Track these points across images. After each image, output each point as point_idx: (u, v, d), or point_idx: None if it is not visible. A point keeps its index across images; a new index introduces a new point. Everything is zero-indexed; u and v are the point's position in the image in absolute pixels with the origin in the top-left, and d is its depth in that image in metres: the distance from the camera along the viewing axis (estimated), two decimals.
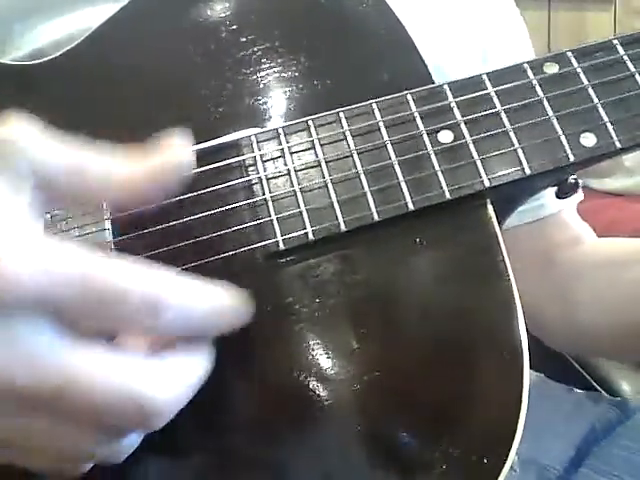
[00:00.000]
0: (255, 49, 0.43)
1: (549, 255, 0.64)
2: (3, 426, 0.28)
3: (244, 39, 0.43)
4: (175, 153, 0.32)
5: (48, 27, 0.50)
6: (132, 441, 0.30)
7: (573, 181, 0.42)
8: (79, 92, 0.44)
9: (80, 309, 0.27)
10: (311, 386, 0.36)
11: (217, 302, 0.31)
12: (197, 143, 0.40)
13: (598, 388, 0.93)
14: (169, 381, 0.29)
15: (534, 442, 0.59)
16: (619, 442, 0.58)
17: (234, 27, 0.44)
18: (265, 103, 0.42)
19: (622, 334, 0.57)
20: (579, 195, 0.66)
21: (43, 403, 0.27)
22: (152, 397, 0.28)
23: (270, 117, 0.41)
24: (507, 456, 0.34)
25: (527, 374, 0.35)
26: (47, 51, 0.45)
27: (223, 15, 0.44)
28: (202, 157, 0.40)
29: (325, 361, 0.36)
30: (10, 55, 0.49)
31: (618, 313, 0.57)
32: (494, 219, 0.39)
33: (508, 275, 0.37)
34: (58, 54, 0.44)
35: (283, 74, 0.43)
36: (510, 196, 0.41)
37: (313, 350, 0.37)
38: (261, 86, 0.42)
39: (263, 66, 0.43)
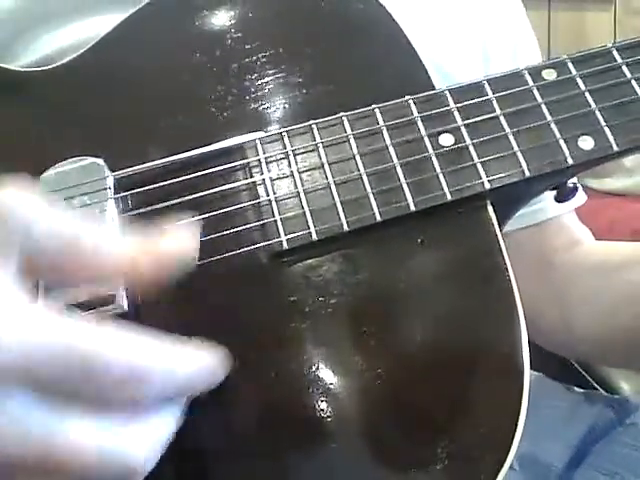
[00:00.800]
0: (259, 55, 0.44)
1: (547, 259, 0.64)
2: None
3: (249, 46, 0.44)
4: (180, 243, 0.31)
5: (55, 36, 0.51)
6: None
7: (572, 185, 0.43)
8: (84, 99, 0.44)
9: (63, 380, 0.27)
10: (314, 384, 0.36)
11: (199, 365, 0.30)
12: (203, 147, 0.41)
13: (598, 388, 0.93)
14: (148, 440, 0.29)
15: (534, 440, 0.59)
16: (619, 440, 0.58)
17: (239, 35, 0.45)
18: (269, 108, 0.43)
19: (614, 339, 0.58)
20: (580, 198, 0.67)
21: (26, 470, 0.27)
22: (133, 457, 0.28)
23: (274, 121, 0.42)
24: (507, 454, 0.34)
25: (527, 375, 0.36)
26: (54, 59, 0.46)
27: (228, 23, 0.45)
28: (208, 160, 0.41)
29: (328, 360, 0.37)
30: (16, 62, 0.50)
31: (609, 317, 0.58)
32: (494, 220, 0.39)
33: (509, 276, 0.38)
34: (63, 61, 0.45)
35: (287, 79, 0.43)
36: (510, 198, 0.42)
37: (316, 349, 0.37)
38: (265, 91, 0.43)
39: (267, 72, 0.44)
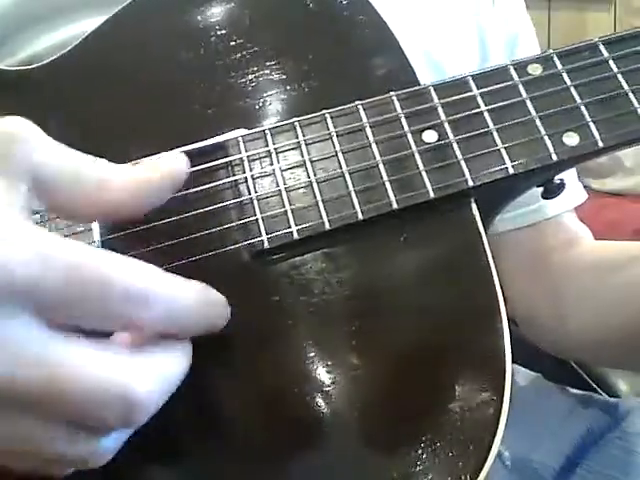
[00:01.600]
0: (244, 53, 0.44)
1: (543, 258, 0.63)
2: None
3: (233, 43, 0.44)
4: (172, 163, 0.33)
5: (45, 35, 0.51)
6: (112, 442, 0.30)
7: (559, 181, 0.42)
8: (68, 97, 0.44)
9: (64, 300, 0.27)
10: (297, 382, 0.36)
11: (204, 298, 0.31)
12: (186, 144, 0.41)
13: (596, 388, 0.93)
14: (152, 375, 0.29)
15: (529, 441, 0.59)
16: (616, 443, 0.57)
17: (223, 32, 0.44)
18: (253, 105, 0.43)
19: (608, 338, 0.57)
20: (580, 197, 0.66)
21: (23, 398, 0.27)
22: (135, 389, 0.28)
23: (258, 119, 0.42)
24: (491, 447, 0.34)
25: (509, 369, 0.35)
26: (42, 58, 0.46)
27: (212, 20, 0.45)
28: (190, 158, 0.40)
29: (311, 358, 0.37)
30: (5, 61, 0.50)
31: (604, 316, 0.57)
32: (478, 218, 0.39)
33: (491, 274, 0.38)
34: (49, 60, 0.45)
35: (270, 77, 0.43)
36: (495, 195, 0.41)
37: (298, 347, 0.37)
38: (249, 89, 0.43)
39: (251, 69, 0.43)
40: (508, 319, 0.37)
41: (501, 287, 0.37)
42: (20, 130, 0.30)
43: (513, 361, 0.67)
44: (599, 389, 0.92)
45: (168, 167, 0.33)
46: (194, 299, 0.31)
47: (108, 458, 0.30)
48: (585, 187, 1.54)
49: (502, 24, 0.62)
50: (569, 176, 0.66)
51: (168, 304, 0.29)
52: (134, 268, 0.29)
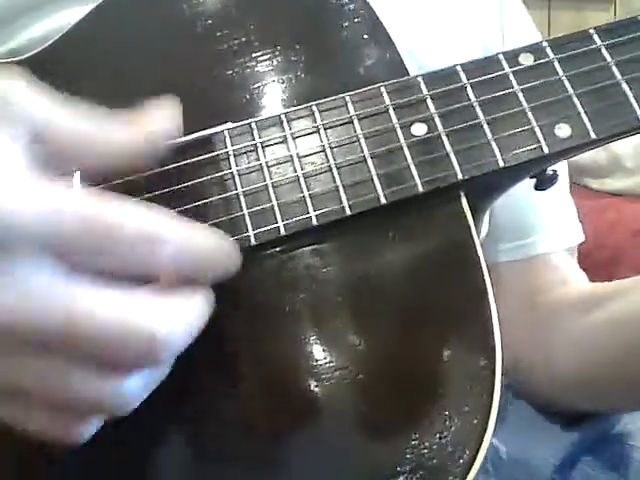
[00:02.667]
0: (230, 44, 0.43)
1: (531, 297, 0.61)
2: (3, 368, 0.28)
3: (219, 34, 0.43)
4: (165, 116, 0.34)
5: (33, 26, 0.50)
6: (137, 385, 0.30)
7: (551, 173, 0.41)
8: (55, 88, 0.44)
9: (78, 244, 0.28)
10: (286, 378, 0.36)
11: (215, 240, 0.31)
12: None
13: None
14: (173, 314, 0.29)
15: (528, 437, 0.58)
16: (616, 439, 0.57)
17: (209, 22, 0.44)
18: (239, 98, 0.42)
19: (600, 374, 0.55)
20: (577, 238, 0.64)
21: (45, 340, 0.27)
22: (156, 326, 0.28)
23: (245, 112, 0.41)
24: (484, 432, 0.34)
25: (499, 363, 0.35)
26: (29, 48, 0.45)
27: (199, 11, 0.44)
28: (176, 153, 0.40)
29: (298, 353, 0.36)
30: None
31: (592, 352, 0.56)
32: (468, 212, 0.38)
33: (481, 267, 0.37)
34: (34, 51, 0.44)
35: (258, 69, 0.42)
36: (485, 188, 0.41)
37: (287, 343, 0.36)
38: (236, 81, 0.42)
39: (237, 61, 0.43)
40: None
41: None
42: (15, 82, 0.31)
43: None
44: None
45: (163, 123, 0.34)
46: (206, 240, 0.31)
47: (133, 404, 0.30)
48: (585, 187, 1.53)
49: (509, 44, 0.61)
50: (568, 215, 0.65)
51: (181, 243, 0.30)
52: (144, 211, 0.29)
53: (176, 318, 0.29)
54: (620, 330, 0.53)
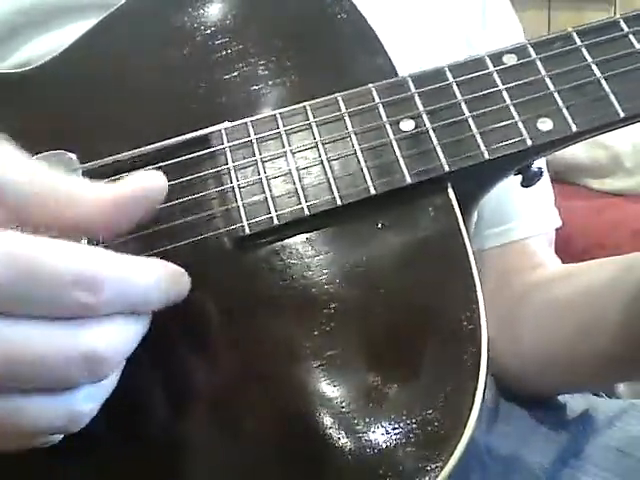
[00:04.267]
0: (228, 51, 0.45)
1: (508, 280, 0.62)
2: None
3: (218, 42, 0.45)
4: (147, 181, 0.32)
5: (39, 40, 0.52)
6: (87, 400, 0.30)
7: (537, 169, 0.43)
8: (59, 98, 0.46)
9: (12, 287, 0.27)
10: (277, 367, 0.37)
11: (161, 275, 0.31)
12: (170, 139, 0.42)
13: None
14: (109, 333, 0.29)
15: (520, 439, 0.59)
16: (609, 443, 0.57)
17: (208, 31, 0.46)
18: (237, 100, 0.44)
19: (558, 354, 0.56)
20: (554, 223, 0.66)
21: None
22: (92, 344, 0.28)
23: (241, 113, 0.43)
24: (468, 419, 0.34)
25: (485, 347, 0.36)
26: (35, 62, 0.47)
27: (198, 21, 0.46)
28: (176, 150, 0.42)
29: (292, 342, 0.37)
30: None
31: (554, 330, 0.57)
32: (455, 203, 0.40)
33: (469, 258, 0.38)
34: (40, 63, 0.46)
35: (254, 73, 0.44)
36: (473, 181, 0.42)
37: (279, 332, 0.38)
38: (234, 84, 0.44)
39: (235, 66, 0.45)
40: None
41: None
42: None
43: None
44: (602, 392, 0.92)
45: (142, 186, 0.32)
46: (149, 278, 0.30)
47: (86, 419, 0.31)
48: (585, 187, 1.53)
49: (491, 39, 0.62)
50: (545, 201, 0.66)
51: (120, 286, 0.29)
52: (80, 251, 0.28)
53: (111, 336, 0.29)
54: (583, 299, 0.54)
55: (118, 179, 0.40)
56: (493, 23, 0.63)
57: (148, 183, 0.32)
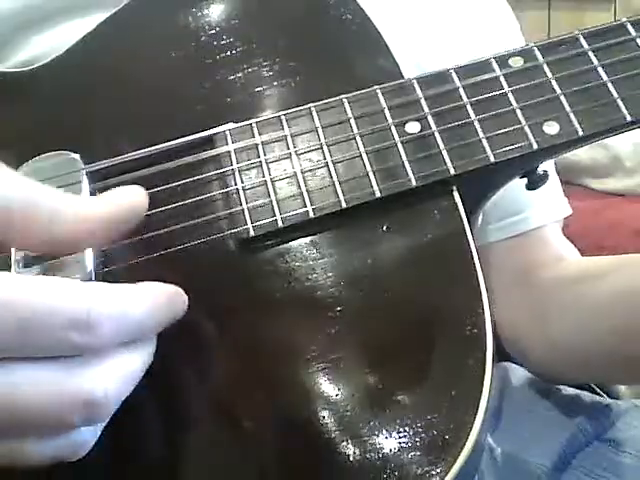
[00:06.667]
0: (233, 52, 0.45)
1: (528, 274, 0.62)
2: None
3: (223, 42, 0.45)
4: (131, 195, 0.32)
5: (43, 37, 0.52)
6: (86, 435, 0.30)
7: (542, 172, 0.43)
8: (64, 97, 0.45)
9: (6, 340, 0.26)
10: (281, 368, 0.37)
11: (156, 299, 0.31)
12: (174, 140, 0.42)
13: (594, 388, 0.92)
14: (108, 374, 0.29)
15: (522, 440, 0.59)
16: (610, 444, 0.56)
17: (213, 31, 0.46)
18: (242, 101, 0.44)
19: (592, 352, 0.56)
20: (565, 211, 0.66)
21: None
22: (92, 391, 0.28)
23: (246, 114, 0.43)
24: (473, 421, 0.34)
25: (490, 355, 0.36)
26: (40, 60, 0.47)
27: (203, 21, 0.46)
28: (180, 152, 0.42)
29: (295, 344, 0.37)
30: (4, 63, 0.51)
31: (587, 328, 0.56)
32: (461, 206, 0.40)
33: (474, 261, 0.38)
34: (45, 61, 0.46)
35: (258, 73, 0.44)
36: (478, 186, 0.42)
37: (283, 334, 0.38)
38: (238, 85, 0.44)
39: (240, 67, 0.44)
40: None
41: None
42: None
43: (509, 359, 0.67)
44: (598, 389, 0.92)
45: (126, 201, 0.32)
46: (144, 307, 0.30)
47: (87, 448, 0.31)
48: (585, 187, 1.53)
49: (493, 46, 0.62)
50: (554, 191, 0.66)
51: (116, 321, 0.28)
52: (71, 288, 0.28)
53: (112, 376, 0.29)
54: (621, 301, 0.53)
55: (119, 183, 0.40)
56: (491, 22, 0.63)
57: (131, 200, 0.32)
